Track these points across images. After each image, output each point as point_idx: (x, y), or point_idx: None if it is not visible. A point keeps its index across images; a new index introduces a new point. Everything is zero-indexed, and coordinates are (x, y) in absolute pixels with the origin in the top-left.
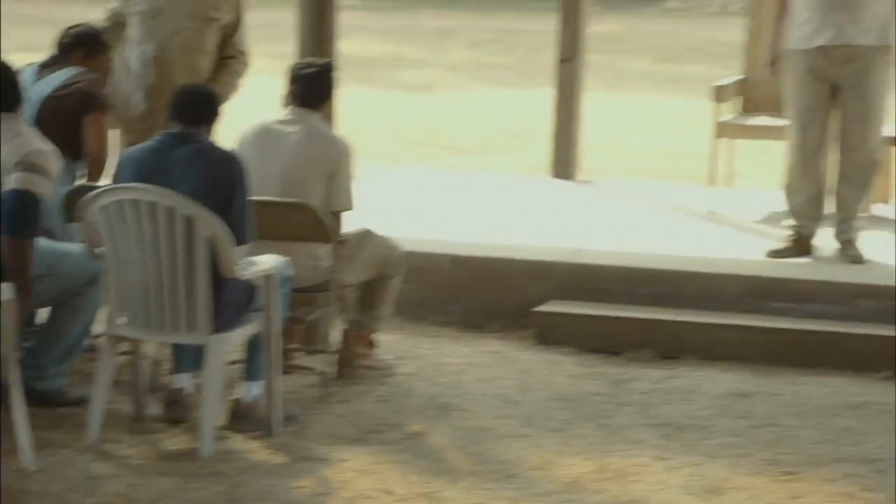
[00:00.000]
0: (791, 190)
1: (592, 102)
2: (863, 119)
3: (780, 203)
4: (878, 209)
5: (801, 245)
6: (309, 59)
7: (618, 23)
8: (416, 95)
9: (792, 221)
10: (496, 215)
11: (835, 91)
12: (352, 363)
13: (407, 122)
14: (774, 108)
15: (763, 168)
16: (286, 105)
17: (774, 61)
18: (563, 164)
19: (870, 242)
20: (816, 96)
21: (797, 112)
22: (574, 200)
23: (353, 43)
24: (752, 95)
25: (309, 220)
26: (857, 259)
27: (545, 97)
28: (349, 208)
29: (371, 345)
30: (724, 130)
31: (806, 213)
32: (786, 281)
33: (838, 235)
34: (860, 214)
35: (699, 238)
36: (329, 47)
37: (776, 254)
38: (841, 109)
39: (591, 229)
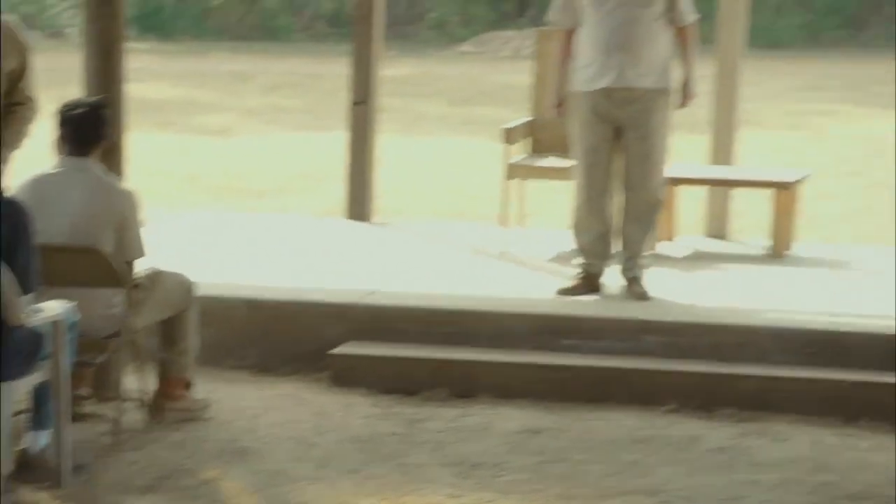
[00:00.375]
0: (578, 229)
1: (388, 145)
2: (645, 159)
3: (569, 242)
4: (662, 247)
5: (589, 283)
6: (76, 100)
7: (412, 66)
8: (212, 139)
9: (580, 260)
10: (292, 258)
11: (618, 132)
12: (165, 406)
13: (202, 166)
14: (562, 149)
15: (553, 208)
16: (58, 152)
17: (560, 103)
18: (358, 206)
19: (655, 279)
20: (600, 137)
21: (583, 152)
22: (369, 242)
23: (145, 87)
24: (541, 137)
25: (99, 265)
26: (642, 296)
27: (340, 140)
28: (142, 256)
29: (187, 385)
30: (515, 171)
31: (593, 252)
32: (575, 318)
33: (624, 273)
34: (645, 252)
35: (492, 277)
36: (117, 90)
37: (565, 292)
38: (624, 150)
39: (386, 270)
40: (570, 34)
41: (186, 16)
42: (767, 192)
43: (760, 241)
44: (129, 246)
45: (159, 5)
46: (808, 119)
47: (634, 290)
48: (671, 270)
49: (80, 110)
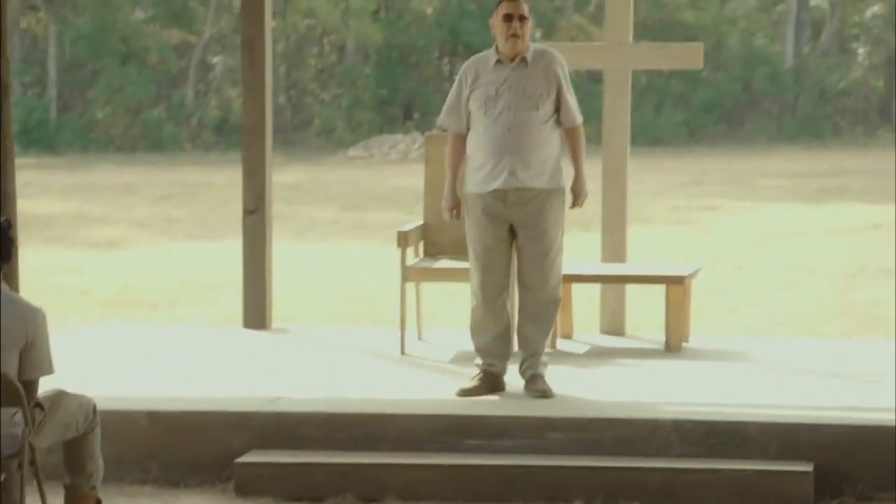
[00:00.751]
0: (476, 330)
1: (281, 251)
2: (541, 259)
3: (469, 341)
4: (562, 344)
5: (490, 382)
6: None
7: (301, 172)
8: (102, 253)
9: (480, 360)
10: (191, 368)
11: (513, 232)
12: None
13: (94, 279)
14: (456, 251)
15: (451, 309)
16: None
17: (454, 206)
18: (256, 314)
19: (556, 376)
20: (495, 238)
21: (477, 254)
22: (269, 349)
23: (32, 202)
24: (435, 239)
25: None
26: (544, 393)
27: (232, 249)
28: (50, 373)
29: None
30: (411, 274)
31: (492, 352)
32: (479, 418)
33: (524, 372)
34: (546, 350)
35: (394, 380)
36: (10, 206)
37: (465, 392)
38: (519, 250)
39: (288, 377)
40: (460, 137)
41: (70, 129)
42: (660, 288)
43: (656, 336)
44: (36, 363)
45: (42, 119)
46: (693, 214)
47: (536, 387)
48: (571, 368)
49: None
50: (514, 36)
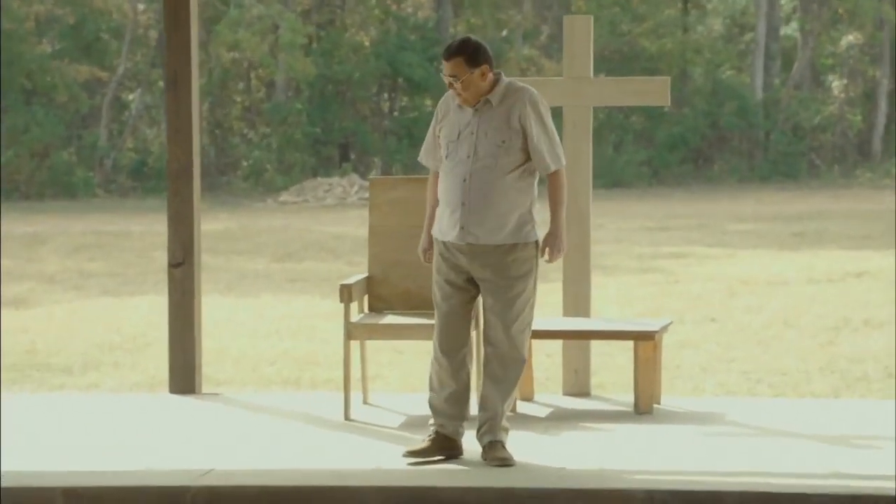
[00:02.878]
0: (433, 385)
1: (210, 308)
2: (503, 314)
3: (420, 404)
4: (522, 406)
5: (442, 444)
6: None
7: (228, 220)
8: (9, 311)
9: (433, 421)
10: (111, 440)
11: (474, 284)
12: None
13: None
14: (404, 306)
15: (398, 369)
16: None
17: (427, 248)
18: (183, 378)
19: (517, 442)
20: (454, 286)
21: (437, 301)
22: (199, 417)
23: None
24: (380, 293)
25: None
26: (505, 461)
27: (154, 305)
28: None
29: None
30: (355, 332)
31: (445, 411)
32: (433, 490)
33: (482, 437)
34: (507, 414)
35: (338, 449)
36: None
37: (414, 454)
38: (483, 304)
39: (220, 448)
40: (437, 175)
41: None
42: (627, 344)
43: (624, 397)
44: None
45: None
46: (659, 262)
47: (495, 455)
48: (533, 433)
49: None
50: (458, 94)
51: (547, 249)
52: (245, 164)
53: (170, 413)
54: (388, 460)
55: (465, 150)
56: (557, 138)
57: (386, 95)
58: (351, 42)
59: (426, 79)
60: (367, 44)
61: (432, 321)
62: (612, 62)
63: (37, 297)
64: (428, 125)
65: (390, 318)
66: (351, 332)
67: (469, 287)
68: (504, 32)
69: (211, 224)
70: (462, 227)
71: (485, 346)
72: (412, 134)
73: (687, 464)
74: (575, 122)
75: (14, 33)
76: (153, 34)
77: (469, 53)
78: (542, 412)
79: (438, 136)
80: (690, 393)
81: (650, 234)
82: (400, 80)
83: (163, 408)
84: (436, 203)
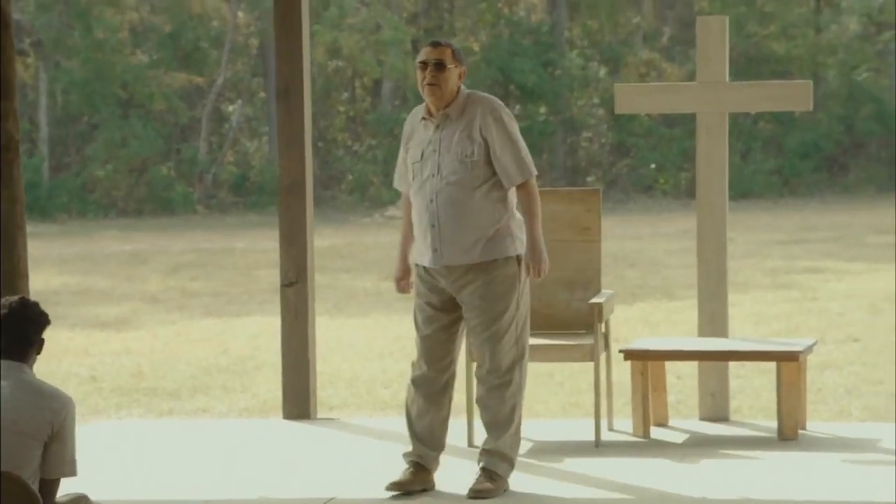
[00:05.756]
0: (413, 411)
1: (320, 328)
2: (487, 334)
3: (544, 431)
4: (656, 432)
5: (423, 478)
6: (13, 300)
7: (334, 236)
8: (111, 333)
9: (412, 450)
10: (225, 468)
11: (456, 306)
12: None
13: (104, 364)
14: (531, 325)
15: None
16: None
17: (402, 276)
18: (298, 403)
19: (651, 470)
20: (435, 308)
21: (418, 324)
22: (316, 443)
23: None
24: None
25: (15, 491)
26: (479, 493)
27: (262, 325)
28: (72, 475)
29: None
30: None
31: (427, 441)
32: None
33: (478, 462)
34: (636, 439)
35: (462, 475)
36: (22, 284)
37: (397, 486)
38: (466, 323)
39: (340, 476)
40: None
41: (65, 191)
42: (763, 366)
43: (765, 422)
44: (58, 461)
45: (33, 181)
46: (795, 277)
47: (474, 485)
48: (667, 460)
49: (22, 309)
50: (431, 85)
51: (529, 267)
52: (350, 177)
53: (285, 439)
54: (518, 488)
55: (430, 169)
56: (525, 147)
57: None
58: (460, 48)
59: (540, 85)
60: (477, 49)
61: (560, 341)
62: (738, 65)
63: (139, 317)
64: (542, 134)
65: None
66: (473, 353)
67: (451, 308)
68: (621, 34)
69: (316, 241)
70: (435, 250)
71: (475, 371)
72: (526, 143)
73: (838, 494)
74: (709, 129)
75: (106, 43)
76: (254, 42)
77: (456, 50)
78: (678, 438)
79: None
80: (836, 417)
81: (783, 247)
82: (512, 86)
83: (278, 434)
84: (409, 229)
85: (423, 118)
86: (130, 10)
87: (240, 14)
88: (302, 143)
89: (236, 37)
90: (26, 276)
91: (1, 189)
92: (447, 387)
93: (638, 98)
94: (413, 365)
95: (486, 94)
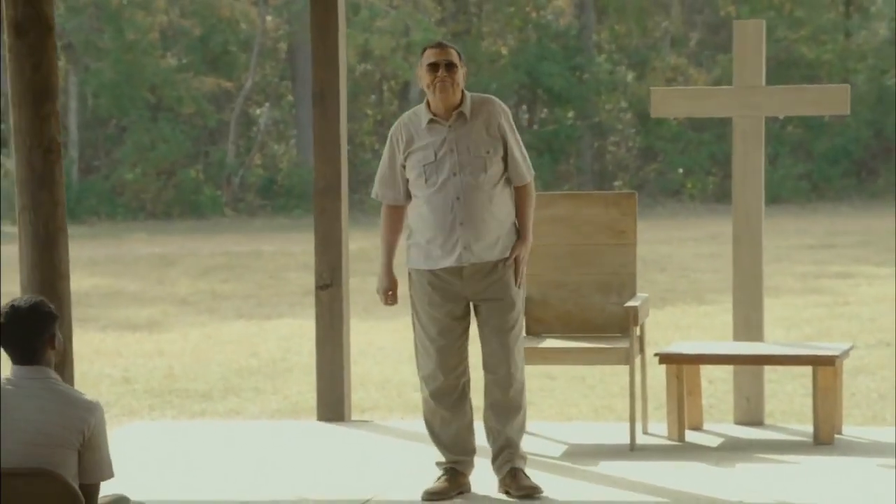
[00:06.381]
0: (436, 422)
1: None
2: (505, 335)
3: (581, 433)
4: (690, 436)
5: (458, 482)
6: (14, 301)
7: (363, 239)
8: (141, 335)
9: (443, 457)
10: (261, 470)
11: (471, 307)
12: None
13: (136, 366)
14: (564, 329)
15: (548, 397)
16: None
17: (390, 288)
18: (332, 405)
19: (687, 474)
20: (452, 317)
21: (432, 337)
22: (351, 445)
23: None
24: (538, 315)
25: (56, 491)
26: (532, 490)
27: (293, 327)
28: (110, 477)
29: None
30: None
31: (461, 447)
32: None
33: (502, 467)
34: (672, 442)
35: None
36: (64, 287)
37: (433, 495)
38: (482, 326)
39: (376, 477)
40: (396, 209)
41: (94, 193)
42: (797, 370)
43: (800, 426)
44: (95, 466)
45: None
46: (825, 282)
47: (520, 484)
48: (704, 464)
49: (21, 311)
50: (443, 86)
51: (516, 267)
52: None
53: (320, 441)
54: (553, 492)
55: (449, 169)
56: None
57: (525, 107)
58: (488, 52)
59: (568, 89)
60: (504, 53)
61: (595, 344)
62: (768, 69)
63: (170, 320)
64: (569, 138)
65: (549, 342)
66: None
67: (466, 315)
68: (648, 39)
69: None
70: (465, 248)
71: (486, 372)
72: (552, 148)
73: (876, 499)
74: (745, 133)
75: (137, 45)
76: (283, 46)
77: (458, 50)
78: (713, 442)
79: (402, 167)
80: (869, 422)
81: (812, 252)
82: (539, 90)
83: (312, 435)
84: (395, 239)
85: (432, 120)
86: (160, 12)
87: (268, 18)
88: (338, 147)
89: (265, 40)
90: (68, 278)
91: (43, 191)
92: (466, 392)
93: (674, 102)
94: (426, 379)
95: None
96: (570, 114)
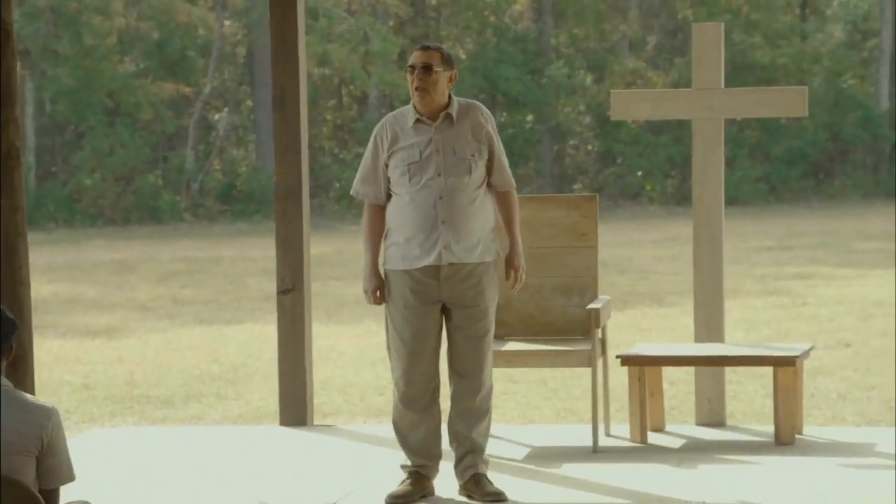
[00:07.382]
0: (404, 425)
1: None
2: (479, 340)
3: (543, 436)
4: (653, 437)
5: (423, 486)
6: None
7: (323, 244)
8: (102, 341)
9: (409, 461)
10: (224, 476)
11: (445, 312)
12: None
13: (95, 373)
14: (526, 331)
15: (511, 399)
16: None
17: (378, 287)
18: (295, 410)
19: (648, 475)
20: (426, 321)
21: (405, 340)
22: (315, 450)
23: None
24: (500, 318)
25: (21, 500)
26: (498, 496)
27: (253, 332)
28: (71, 480)
29: None
30: None
31: (427, 451)
32: None
33: (465, 471)
34: (634, 444)
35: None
36: (24, 294)
37: (397, 498)
38: (453, 332)
39: (341, 482)
40: (378, 208)
41: (52, 200)
42: (757, 371)
43: (759, 427)
44: (55, 471)
45: None
46: (783, 283)
47: (485, 490)
48: (665, 465)
49: None
50: (419, 90)
51: (509, 270)
52: (337, 185)
53: (283, 446)
54: (517, 495)
55: (434, 169)
56: None
57: None
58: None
59: (526, 93)
60: (463, 57)
61: (557, 347)
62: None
63: (130, 326)
64: (528, 141)
65: (511, 345)
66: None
67: (440, 318)
68: (607, 42)
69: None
70: (445, 247)
71: (454, 377)
72: (512, 151)
73: (838, 498)
74: (704, 135)
75: (95, 50)
76: (241, 51)
77: (446, 54)
78: (675, 443)
79: (385, 165)
80: (829, 422)
81: (771, 253)
82: (498, 94)
83: (275, 441)
84: (379, 238)
85: (418, 120)
86: (118, 15)
87: (226, 23)
88: (298, 151)
89: (223, 45)
90: (28, 285)
91: (2, 198)
92: (435, 396)
93: (635, 104)
94: (396, 382)
95: (473, 101)
96: (529, 117)
